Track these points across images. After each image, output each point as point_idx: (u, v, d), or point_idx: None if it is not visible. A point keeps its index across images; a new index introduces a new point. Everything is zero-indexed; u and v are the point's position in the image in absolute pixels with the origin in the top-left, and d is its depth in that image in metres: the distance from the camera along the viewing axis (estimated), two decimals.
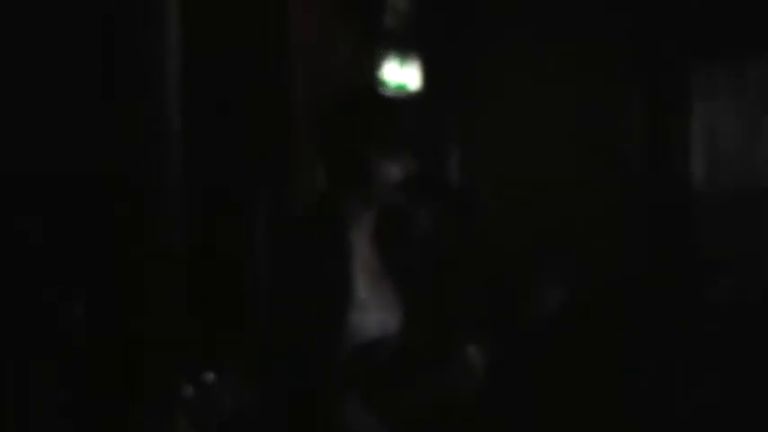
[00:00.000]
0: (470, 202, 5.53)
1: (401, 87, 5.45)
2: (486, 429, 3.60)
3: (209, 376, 2.77)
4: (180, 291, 4.19)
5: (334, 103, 3.11)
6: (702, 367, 5.18)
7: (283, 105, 4.83)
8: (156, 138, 4.22)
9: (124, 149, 4.16)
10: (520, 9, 5.74)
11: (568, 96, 5.76)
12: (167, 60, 4.24)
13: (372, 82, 5.31)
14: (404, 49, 5.51)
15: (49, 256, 3.99)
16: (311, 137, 3.34)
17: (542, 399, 4.90)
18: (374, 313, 3.05)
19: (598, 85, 5.72)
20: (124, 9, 4.14)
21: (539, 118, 5.72)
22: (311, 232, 3.05)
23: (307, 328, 2.93)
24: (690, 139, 5.70)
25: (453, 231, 4.80)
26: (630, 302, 5.36)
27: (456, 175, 5.83)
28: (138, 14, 4.22)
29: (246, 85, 4.79)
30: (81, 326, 4.02)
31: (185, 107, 4.29)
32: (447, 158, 5.77)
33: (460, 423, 3.20)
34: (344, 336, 2.97)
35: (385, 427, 3.03)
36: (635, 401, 5.06)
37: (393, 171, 3.01)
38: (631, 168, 5.77)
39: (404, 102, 5.12)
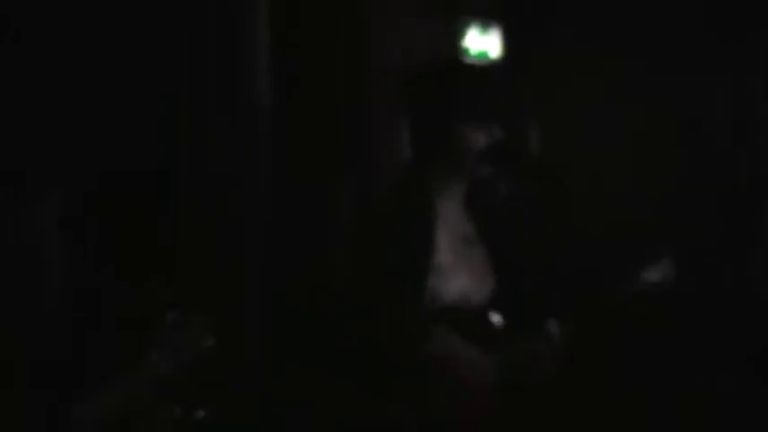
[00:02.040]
0: (550, 173, 5.41)
1: (482, 55, 5.48)
2: (564, 403, 3.56)
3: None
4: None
5: (420, 73, 3.17)
6: None
7: (367, 79, 4.91)
8: (248, 118, 4.45)
9: (216, 132, 4.42)
10: None
11: (650, 73, 5.63)
12: (258, 36, 4.44)
13: (455, 51, 5.33)
14: (484, 18, 5.51)
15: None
16: (394, 110, 3.51)
17: (623, 379, 4.80)
18: (459, 278, 3.12)
19: (681, 63, 5.56)
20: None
21: (616, 90, 5.65)
22: (398, 203, 3.13)
23: (390, 290, 3.00)
24: None
25: (535, 201, 4.80)
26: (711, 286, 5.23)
27: (536, 145, 5.66)
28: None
29: (330, 61, 4.88)
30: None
31: (274, 86, 4.50)
32: (527, 127, 5.58)
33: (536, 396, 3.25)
34: (426, 298, 3.05)
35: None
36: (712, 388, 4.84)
37: (479, 140, 3.07)
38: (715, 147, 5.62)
39: (486, 70, 5.06)
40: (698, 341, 4.96)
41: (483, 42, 5.52)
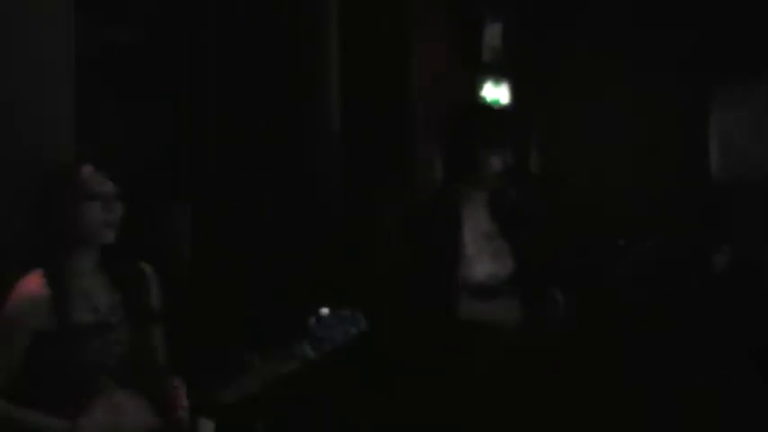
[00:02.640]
0: (550, 185, 5.71)
1: (495, 102, 5.80)
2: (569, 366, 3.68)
3: (325, 311, 2.96)
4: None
5: (455, 115, 3.65)
6: None
7: (412, 118, 5.31)
8: (326, 140, 4.99)
9: (294, 148, 4.80)
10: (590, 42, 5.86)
11: (634, 107, 5.76)
12: (331, 81, 4.99)
13: (475, 98, 5.63)
14: (498, 74, 5.85)
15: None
16: (431, 140, 4.14)
17: (625, 376, 4.58)
18: (482, 263, 3.53)
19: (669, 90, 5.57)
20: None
21: (604, 123, 5.86)
22: (436, 210, 3.55)
23: (430, 273, 3.41)
24: None
25: (541, 207, 4.76)
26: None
27: (538, 166, 6.00)
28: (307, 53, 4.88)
29: (384, 100, 5.27)
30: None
31: (343, 117, 5.02)
32: (531, 154, 5.94)
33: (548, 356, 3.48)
34: (458, 279, 3.43)
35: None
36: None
37: (496, 163, 3.53)
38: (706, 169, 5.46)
39: (501, 112, 5.06)
40: (700, 338, 4.70)
41: (496, 92, 5.85)
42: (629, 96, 5.80)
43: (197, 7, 4.32)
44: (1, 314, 2.81)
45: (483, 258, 3.49)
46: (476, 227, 3.52)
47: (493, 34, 5.65)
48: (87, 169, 2.88)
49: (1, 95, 3.14)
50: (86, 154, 2.97)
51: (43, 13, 3.29)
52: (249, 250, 4.43)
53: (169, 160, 4.16)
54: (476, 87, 5.70)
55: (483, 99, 5.68)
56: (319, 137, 4.93)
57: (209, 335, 3.66)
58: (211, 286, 4.09)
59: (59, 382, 2.79)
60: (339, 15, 4.95)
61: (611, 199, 5.60)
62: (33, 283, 2.81)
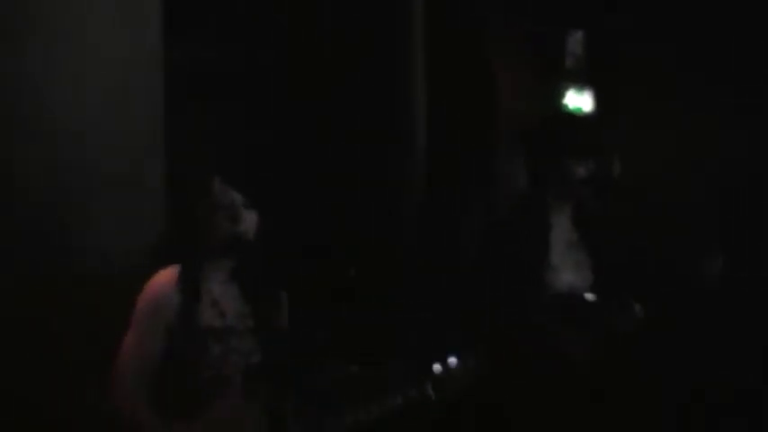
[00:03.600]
0: (633, 195, 5.22)
1: (577, 110, 5.86)
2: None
3: (452, 360, 3.08)
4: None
5: (538, 124, 3.68)
6: None
7: (495, 126, 5.48)
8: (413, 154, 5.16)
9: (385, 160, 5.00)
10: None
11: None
12: (415, 86, 5.12)
13: (558, 107, 5.74)
14: (580, 82, 5.93)
15: None
16: (514, 150, 4.04)
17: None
18: (566, 273, 3.54)
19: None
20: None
21: (681, 132, 5.75)
22: (520, 221, 3.55)
23: (512, 287, 3.42)
24: None
25: (624, 217, 4.42)
26: None
27: (622, 175, 5.54)
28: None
29: (469, 113, 5.42)
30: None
31: (429, 132, 5.18)
32: (615, 162, 5.48)
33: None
34: (542, 287, 3.45)
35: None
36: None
37: (580, 172, 3.53)
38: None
39: (584, 120, 5.22)
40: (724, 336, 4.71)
41: (578, 100, 5.93)
42: (712, 102, 5.73)
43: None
44: (139, 304, 2.91)
45: (565, 269, 3.51)
46: (559, 237, 3.54)
47: (575, 42, 5.77)
48: (218, 180, 2.97)
49: (95, 99, 3.45)
50: (218, 165, 3.09)
51: (134, 28, 3.62)
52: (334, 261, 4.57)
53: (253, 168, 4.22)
54: (558, 95, 5.81)
55: (565, 107, 5.78)
56: (404, 150, 5.06)
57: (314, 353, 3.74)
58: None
59: (179, 383, 2.86)
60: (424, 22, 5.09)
61: (695, 209, 5.56)
62: (166, 279, 2.93)
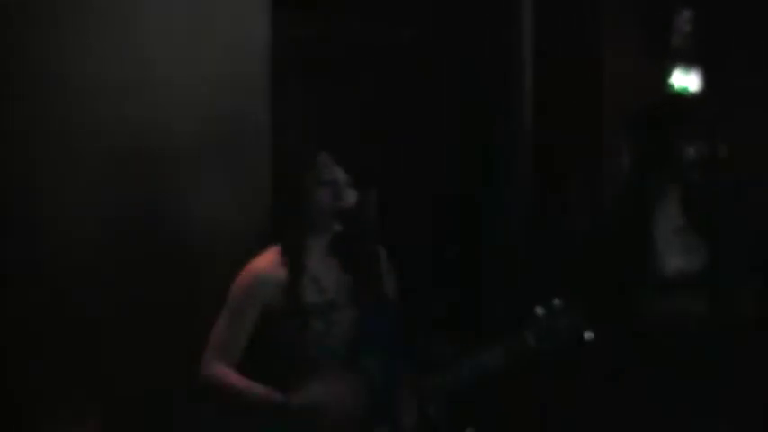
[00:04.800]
0: (744, 178, 5.04)
1: (684, 90, 5.75)
2: None
3: (557, 302, 3.05)
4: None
5: (646, 105, 3.70)
6: None
7: (598, 111, 5.40)
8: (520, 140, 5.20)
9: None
10: None
11: None
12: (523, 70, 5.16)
13: (664, 87, 5.60)
14: (687, 61, 5.80)
15: None
16: (621, 132, 3.99)
17: None
18: (673, 258, 3.53)
19: None
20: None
21: None
22: (627, 204, 3.60)
23: (619, 271, 3.46)
24: None
25: (734, 201, 4.36)
26: None
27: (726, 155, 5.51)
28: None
29: (573, 96, 5.40)
30: None
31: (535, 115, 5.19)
32: (719, 143, 5.44)
33: None
34: (649, 273, 3.46)
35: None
36: None
37: (690, 154, 3.54)
38: None
39: (692, 101, 5.20)
40: None
41: (685, 80, 5.79)
42: None
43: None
44: (235, 287, 2.99)
45: (673, 253, 3.51)
46: (667, 221, 3.55)
47: (682, 20, 5.65)
48: (323, 156, 3.03)
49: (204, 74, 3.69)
50: (324, 142, 3.15)
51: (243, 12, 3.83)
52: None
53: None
54: (665, 75, 5.72)
55: (671, 87, 5.69)
56: (511, 133, 5.10)
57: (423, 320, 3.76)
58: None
59: (280, 360, 2.94)
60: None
61: None
62: (269, 260, 3.01)
